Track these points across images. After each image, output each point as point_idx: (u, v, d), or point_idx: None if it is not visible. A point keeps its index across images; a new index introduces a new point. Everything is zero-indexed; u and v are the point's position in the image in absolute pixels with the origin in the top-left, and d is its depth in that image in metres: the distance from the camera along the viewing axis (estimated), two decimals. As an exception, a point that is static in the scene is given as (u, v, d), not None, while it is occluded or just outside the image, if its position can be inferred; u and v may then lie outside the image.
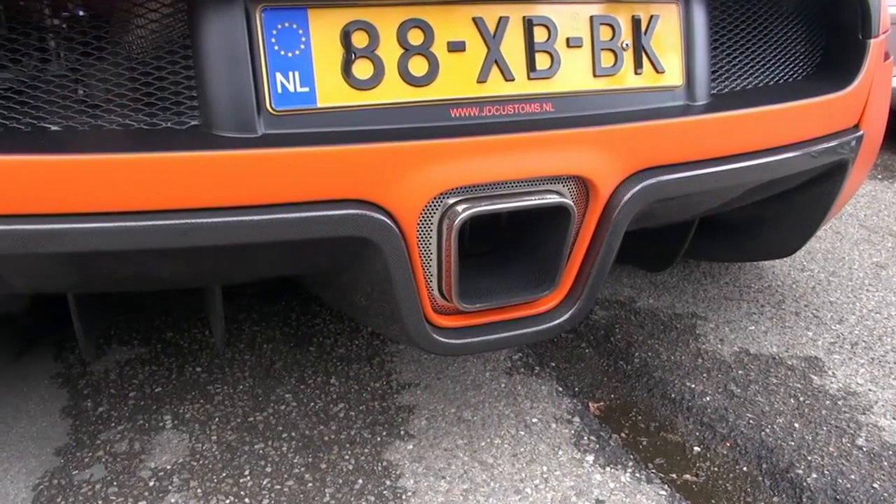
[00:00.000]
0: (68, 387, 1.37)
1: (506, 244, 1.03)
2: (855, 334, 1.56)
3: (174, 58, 0.85)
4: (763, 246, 1.49)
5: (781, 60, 1.20)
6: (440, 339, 0.97)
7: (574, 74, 0.95)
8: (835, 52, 1.22)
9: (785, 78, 1.21)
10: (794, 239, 1.42)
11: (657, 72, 1.01)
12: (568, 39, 0.94)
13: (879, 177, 2.86)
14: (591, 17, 0.95)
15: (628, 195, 0.97)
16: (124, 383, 1.38)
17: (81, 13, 0.86)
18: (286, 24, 0.83)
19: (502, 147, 0.89)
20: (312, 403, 1.32)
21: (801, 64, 1.22)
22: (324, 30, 0.85)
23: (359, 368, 1.43)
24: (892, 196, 2.60)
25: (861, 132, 1.25)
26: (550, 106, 0.94)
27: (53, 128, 0.83)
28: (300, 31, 0.84)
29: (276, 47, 0.83)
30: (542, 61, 0.93)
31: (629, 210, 0.98)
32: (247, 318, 1.63)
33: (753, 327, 1.59)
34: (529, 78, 0.93)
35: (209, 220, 0.81)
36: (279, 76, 0.84)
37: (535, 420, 1.27)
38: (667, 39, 1.01)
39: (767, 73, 1.19)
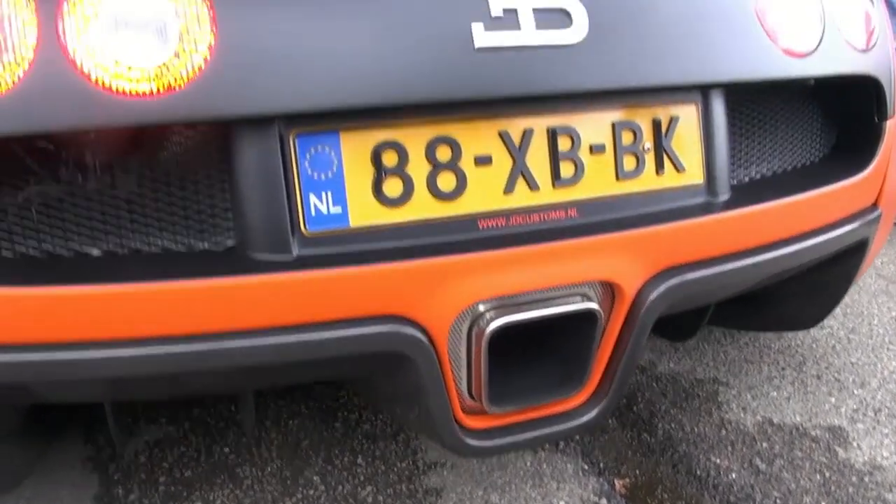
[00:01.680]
0: (99, 472, 1.38)
1: (534, 345, 1.05)
2: (878, 400, 1.56)
3: (211, 181, 0.87)
4: (786, 317, 1.50)
5: (799, 146, 1.22)
6: (471, 441, 0.98)
7: (597, 180, 0.97)
8: (851, 135, 1.24)
9: (802, 162, 1.23)
10: (818, 311, 1.43)
11: (678, 171, 1.03)
12: (591, 146, 0.97)
13: None
14: (613, 124, 0.98)
15: (654, 295, 0.98)
16: (154, 467, 1.39)
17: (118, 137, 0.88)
18: (319, 148, 0.86)
19: (530, 258, 0.91)
20: (341, 487, 1.33)
21: (818, 147, 1.24)
22: (355, 151, 0.87)
23: (385, 447, 1.44)
24: (909, 240, 2.60)
25: (879, 211, 1.26)
26: (575, 212, 0.96)
27: (94, 252, 0.86)
28: (332, 154, 0.86)
29: (310, 170, 0.86)
30: (566, 169, 0.95)
31: (655, 309, 0.99)
32: (271, 391, 1.65)
33: (776, 393, 1.60)
34: (554, 186, 0.95)
35: (244, 342, 0.83)
36: (312, 198, 0.86)
37: (562, 503, 1.28)
38: (687, 139, 1.03)
39: (785, 158, 1.20)
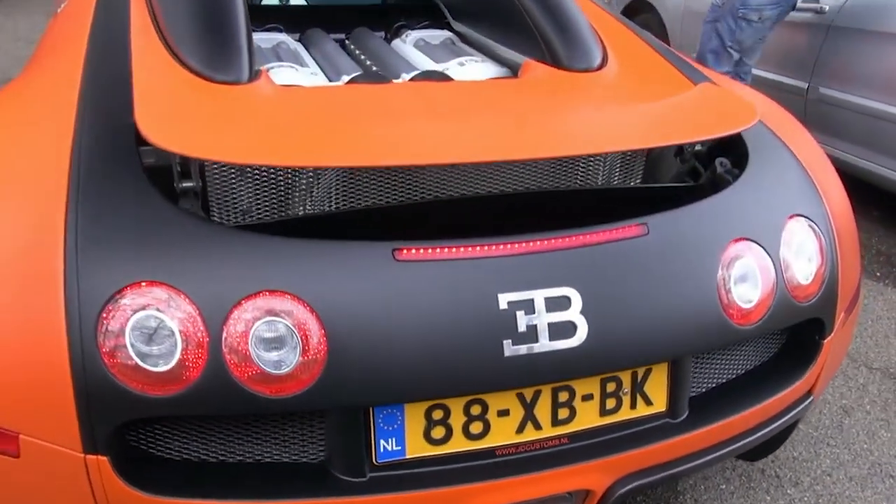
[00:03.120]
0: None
1: None
2: (804, 501, 1.96)
3: (314, 424, 1.25)
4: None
5: (747, 359, 1.55)
6: None
7: (585, 418, 1.34)
8: (793, 347, 1.58)
9: (750, 366, 1.56)
10: (766, 449, 1.80)
11: (647, 405, 1.39)
12: (583, 396, 1.33)
13: (878, 273, 3.17)
14: (602, 379, 1.33)
15: (619, 492, 1.37)
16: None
17: None
18: (389, 412, 1.23)
19: (532, 482, 1.29)
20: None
21: (764, 354, 1.58)
22: (413, 412, 1.24)
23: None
24: (882, 306, 2.91)
25: (811, 397, 1.62)
26: (567, 440, 1.33)
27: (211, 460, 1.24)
28: (398, 415, 1.24)
29: (382, 425, 1.23)
30: (562, 413, 1.32)
31: (618, 500, 1.38)
32: None
33: (724, 486, 2.00)
34: (553, 425, 1.32)
35: None
36: (382, 441, 1.24)
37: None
38: (657, 383, 1.38)
39: (736, 369, 1.54)
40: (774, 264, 1.41)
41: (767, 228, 1.43)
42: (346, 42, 2.46)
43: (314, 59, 2.19)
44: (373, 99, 1.58)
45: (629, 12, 4.84)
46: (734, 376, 1.54)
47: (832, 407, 2.32)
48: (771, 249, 1.41)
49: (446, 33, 2.41)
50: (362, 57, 2.25)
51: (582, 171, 1.68)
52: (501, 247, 1.23)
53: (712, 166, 1.57)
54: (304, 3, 2.72)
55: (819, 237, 1.50)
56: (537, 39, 1.88)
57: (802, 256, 1.46)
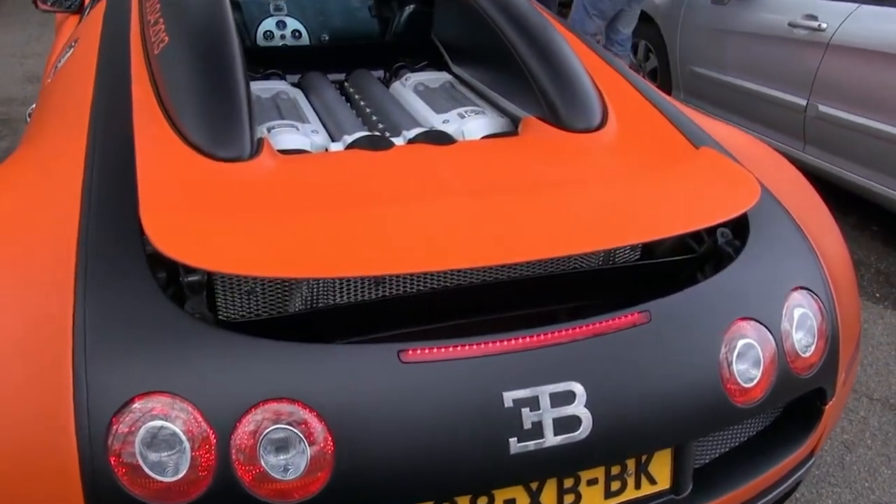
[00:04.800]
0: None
1: None
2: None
3: None
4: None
5: (749, 426, 1.57)
6: None
7: (591, 501, 1.36)
8: (794, 412, 1.59)
9: (753, 432, 1.57)
10: None
11: (651, 484, 1.40)
12: (588, 481, 1.34)
13: (877, 294, 3.18)
14: (607, 467, 1.35)
15: None
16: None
17: None
18: None
19: None
20: None
21: (765, 420, 1.59)
22: None
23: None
24: (882, 331, 2.93)
25: (814, 458, 1.63)
26: None
27: None
28: None
29: None
30: (568, 499, 1.34)
31: None
32: None
33: (728, 531, 2.02)
34: None
35: None
36: None
37: None
38: (661, 464, 1.40)
39: (738, 437, 1.56)
40: (776, 340, 1.42)
41: (769, 304, 1.44)
42: (346, 85, 2.46)
43: (315, 108, 2.19)
44: (373, 173, 1.59)
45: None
46: (737, 444, 1.56)
47: (834, 442, 2.35)
48: (772, 325, 1.42)
49: (445, 76, 2.41)
50: (362, 103, 2.25)
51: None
52: (505, 343, 1.24)
53: (713, 236, 1.58)
54: (306, 34, 2.70)
55: (820, 307, 1.51)
56: (537, 95, 1.88)
57: (804, 329, 1.47)
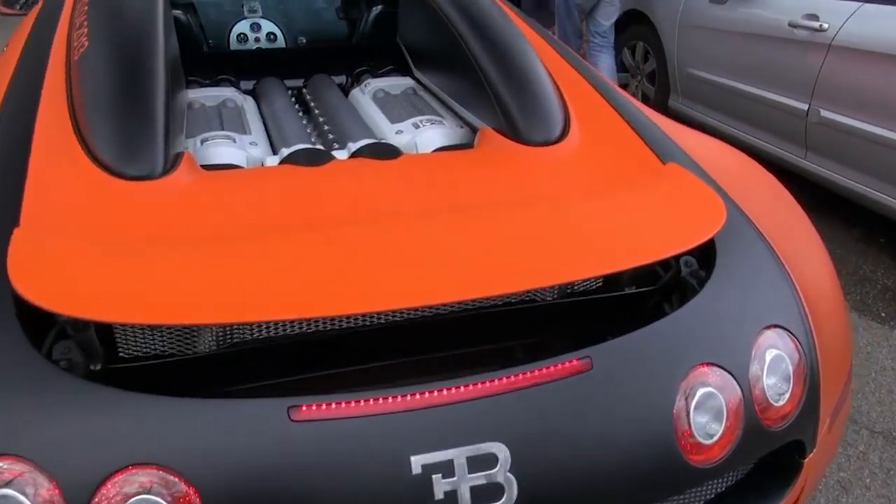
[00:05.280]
0: None
1: None
2: None
3: None
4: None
5: (718, 483, 1.37)
6: None
7: None
8: (771, 466, 1.40)
9: (718, 489, 1.38)
10: None
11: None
12: None
13: (883, 314, 2.97)
14: None
15: None
16: None
17: None
18: None
19: None
20: None
21: (736, 476, 1.39)
22: None
23: None
24: (887, 355, 2.72)
25: None
26: None
27: None
28: None
29: None
30: None
31: None
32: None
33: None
34: None
35: None
36: None
37: None
38: None
39: (702, 496, 1.37)
40: (742, 388, 1.24)
41: (735, 347, 1.25)
42: (304, 91, 2.31)
43: (263, 117, 2.04)
44: (296, 192, 1.43)
45: (623, 24, 4.64)
46: (703, 502, 1.37)
47: (829, 481, 2.15)
48: (738, 371, 1.24)
49: (409, 82, 2.25)
50: (317, 111, 2.10)
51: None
52: (415, 397, 1.07)
53: (676, 266, 1.39)
54: (281, 36, 2.55)
55: (797, 346, 1.32)
56: (493, 104, 1.71)
57: (777, 374, 1.28)
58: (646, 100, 4.62)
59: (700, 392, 1.20)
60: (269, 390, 1.22)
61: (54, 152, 1.42)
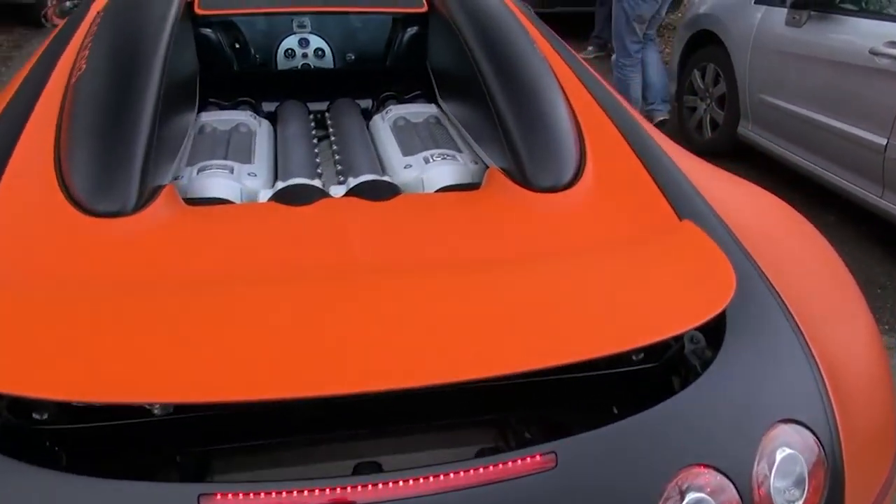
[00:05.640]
0: None
1: None
2: None
3: None
4: None
5: None
6: None
7: None
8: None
9: None
10: None
11: None
12: None
13: None
14: None
15: None
16: None
17: None
18: None
19: None
20: None
21: None
22: None
23: None
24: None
25: None
26: None
27: None
28: None
29: None
30: None
31: None
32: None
33: None
34: None
35: None
36: None
37: None
38: None
39: None
40: (741, 494, 1.06)
41: (737, 445, 1.08)
42: (326, 115, 2.22)
43: (276, 143, 1.96)
44: (269, 237, 1.33)
45: (693, 45, 4.39)
46: None
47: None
48: (738, 474, 1.07)
49: (432, 109, 2.14)
50: (333, 138, 2.01)
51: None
52: (346, 490, 0.94)
53: (680, 342, 1.22)
54: (330, 52, 2.47)
55: (817, 444, 1.14)
56: (504, 145, 1.58)
57: (787, 477, 1.10)
58: (714, 126, 4.37)
59: (689, 498, 1.03)
60: (183, 467, 1.12)
61: (25, 184, 1.37)
